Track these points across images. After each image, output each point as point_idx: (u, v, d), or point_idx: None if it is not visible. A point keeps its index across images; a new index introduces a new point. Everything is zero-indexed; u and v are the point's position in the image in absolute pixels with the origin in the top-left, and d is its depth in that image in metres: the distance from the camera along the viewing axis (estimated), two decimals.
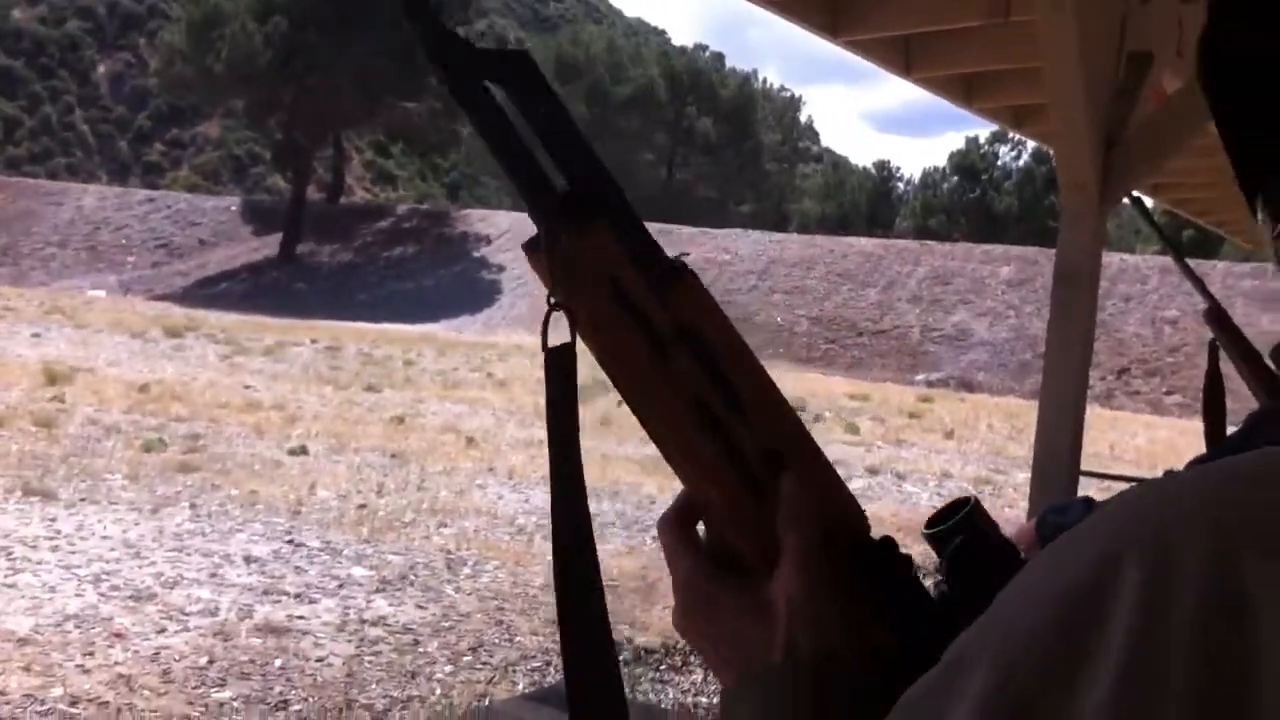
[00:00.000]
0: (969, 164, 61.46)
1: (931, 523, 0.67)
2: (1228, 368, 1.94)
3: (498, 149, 0.61)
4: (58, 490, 8.30)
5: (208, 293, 37.66)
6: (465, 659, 5.84)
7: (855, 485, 9.89)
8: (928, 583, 0.65)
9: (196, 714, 4.89)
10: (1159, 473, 0.66)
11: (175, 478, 9.16)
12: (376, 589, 6.84)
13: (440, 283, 37.56)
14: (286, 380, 16.38)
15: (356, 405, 14.38)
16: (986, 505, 0.71)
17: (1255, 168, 0.58)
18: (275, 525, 8.04)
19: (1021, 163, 59.34)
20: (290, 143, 45.70)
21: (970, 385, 27.53)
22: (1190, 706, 0.36)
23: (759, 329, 30.30)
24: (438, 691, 5.40)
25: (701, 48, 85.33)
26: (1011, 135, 43.98)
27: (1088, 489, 4.22)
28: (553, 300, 0.61)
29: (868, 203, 66.37)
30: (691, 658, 5.93)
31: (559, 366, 0.61)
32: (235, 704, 5.01)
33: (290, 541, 7.65)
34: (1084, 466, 4.23)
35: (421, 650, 5.91)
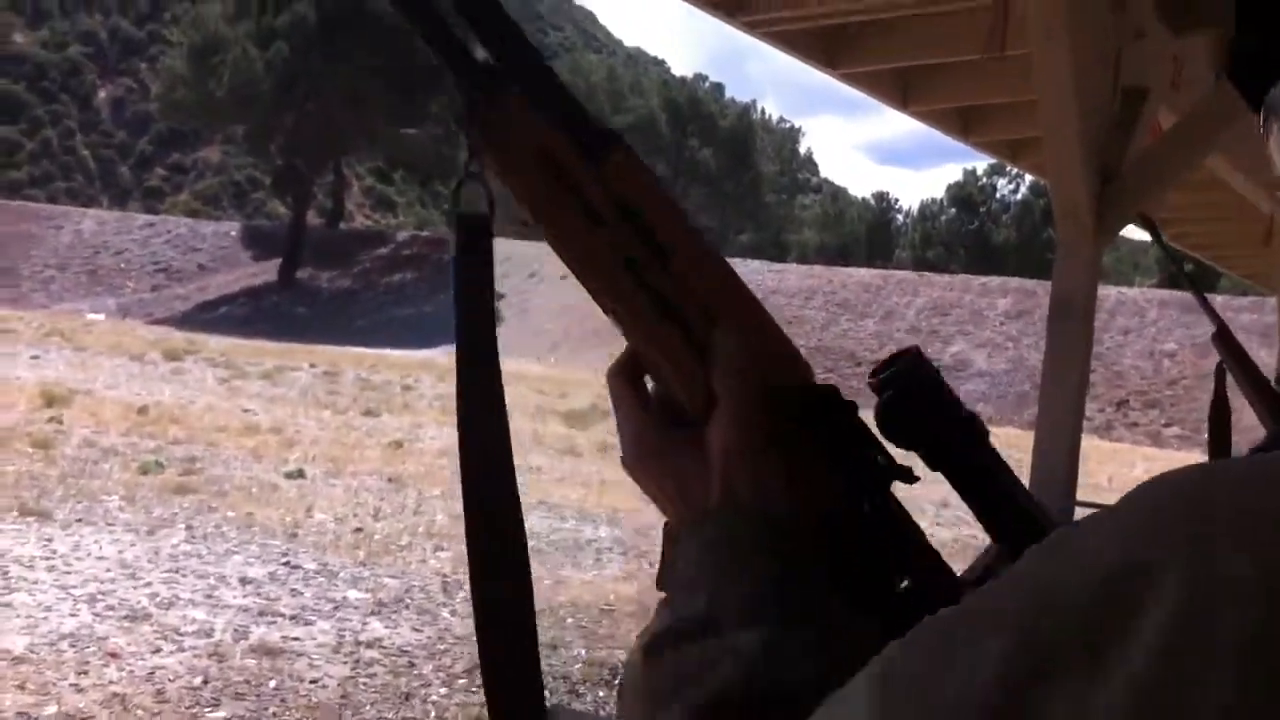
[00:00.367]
0: (966, 196, 61.79)
1: (875, 373, 0.65)
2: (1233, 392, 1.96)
3: (417, 17, 0.60)
4: (54, 511, 8.29)
5: (207, 317, 37.72)
6: (460, 681, 5.84)
7: None
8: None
9: None
10: None
11: (172, 499, 9.15)
12: (372, 611, 6.84)
13: (440, 309, 37.55)
14: (285, 404, 16.38)
15: (354, 429, 14.37)
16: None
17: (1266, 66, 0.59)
18: (271, 547, 8.03)
19: (1020, 196, 59.69)
20: (290, 168, 45.93)
21: None
22: (1231, 685, 0.33)
23: None
24: (432, 714, 5.40)
25: (701, 78, 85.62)
26: (1009, 168, 44.19)
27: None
28: (470, 170, 0.62)
29: (867, 233, 66.66)
30: None
31: (471, 234, 0.62)
32: None
33: (286, 564, 7.64)
34: (1083, 497, 4.24)
35: (416, 672, 5.91)
